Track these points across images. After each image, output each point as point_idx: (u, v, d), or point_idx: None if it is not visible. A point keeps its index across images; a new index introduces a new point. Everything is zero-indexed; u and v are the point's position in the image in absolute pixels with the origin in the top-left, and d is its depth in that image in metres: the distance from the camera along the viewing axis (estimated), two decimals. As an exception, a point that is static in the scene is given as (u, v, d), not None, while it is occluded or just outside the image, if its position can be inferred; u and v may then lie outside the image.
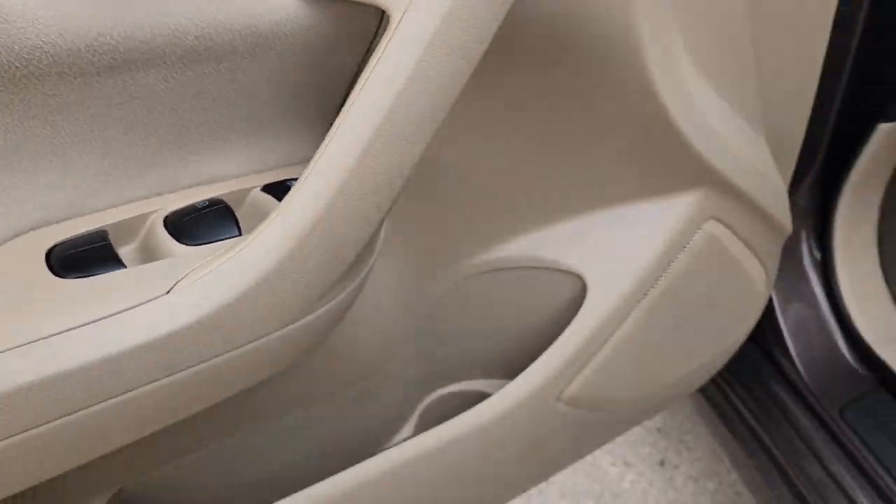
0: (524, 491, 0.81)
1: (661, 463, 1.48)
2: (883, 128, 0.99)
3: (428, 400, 0.80)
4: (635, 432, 1.54)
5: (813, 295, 1.10)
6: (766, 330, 1.13)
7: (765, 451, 1.09)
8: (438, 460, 0.66)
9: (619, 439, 1.53)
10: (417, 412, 0.80)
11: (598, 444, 0.87)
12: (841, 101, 1.03)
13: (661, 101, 0.63)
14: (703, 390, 1.22)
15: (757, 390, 1.12)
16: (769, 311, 1.11)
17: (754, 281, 0.85)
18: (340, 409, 0.69)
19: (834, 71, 1.03)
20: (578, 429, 0.78)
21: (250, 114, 0.52)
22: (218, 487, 0.66)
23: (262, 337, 0.45)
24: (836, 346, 1.08)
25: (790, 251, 1.11)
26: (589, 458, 1.50)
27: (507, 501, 0.80)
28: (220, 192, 0.51)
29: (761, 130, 0.82)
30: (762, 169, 0.79)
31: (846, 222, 1.08)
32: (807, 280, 1.10)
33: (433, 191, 0.66)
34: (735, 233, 0.78)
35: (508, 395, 0.68)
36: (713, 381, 1.20)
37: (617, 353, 0.74)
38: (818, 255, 1.11)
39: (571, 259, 0.72)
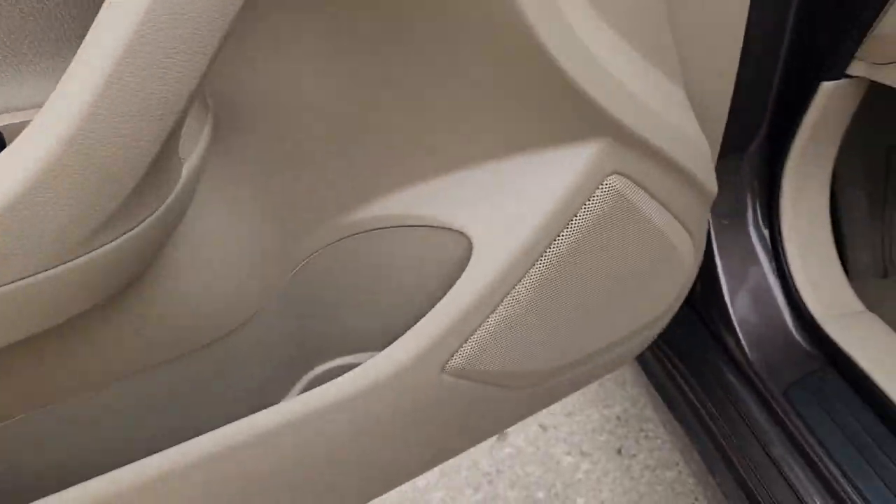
0: (414, 475, 0.74)
1: (619, 451, 1.41)
2: (826, 86, 0.92)
3: (307, 378, 0.74)
4: (593, 420, 1.48)
5: (760, 268, 1.03)
6: (711, 306, 1.06)
7: (707, 434, 1.02)
8: (294, 438, 0.60)
9: (576, 427, 1.47)
10: (296, 391, 0.74)
11: (504, 423, 0.81)
12: (784, 62, 0.96)
13: (537, 38, 0.56)
14: (645, 370, 1.16)
15: (701, 369, 1.06)
16: (714, 285, 1.04)
17: (676, 247, 0.78)
18: (196, 378, 0.63)
19: (775, 30, 0.96)
20: (473, 405, 0.72)
21: (44, 36, 0.47)
22: (57, 457, 0.60)
23: (31, 274, 0.40)
24: (783, 322, 1.01)
25: (737, 221, 1.04)
26: (542, 446, 1.44)
27: (395, 486, 0.74)
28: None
29: (680, 84, 0.76)
30: (680, 124, 0.73)
31: (794, 190, 1.01)
32: (753, 252, 1.04)
33: (290, 139, 0.59)
34: (648, 191, 0.72)
35: (377, 366, 0.62)
36: (655, 359, 1.13)
37: (512, 321, 0.68)
38: (766, 226, 1.04)
39: (455, 216, 0.66)
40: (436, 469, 1.40)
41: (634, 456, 1.40)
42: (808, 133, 0.96)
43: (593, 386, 1.54)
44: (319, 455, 0.62)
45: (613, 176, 0.68)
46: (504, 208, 0.66)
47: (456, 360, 0.66)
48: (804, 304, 0.99)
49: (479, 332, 0.66)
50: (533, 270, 0.67)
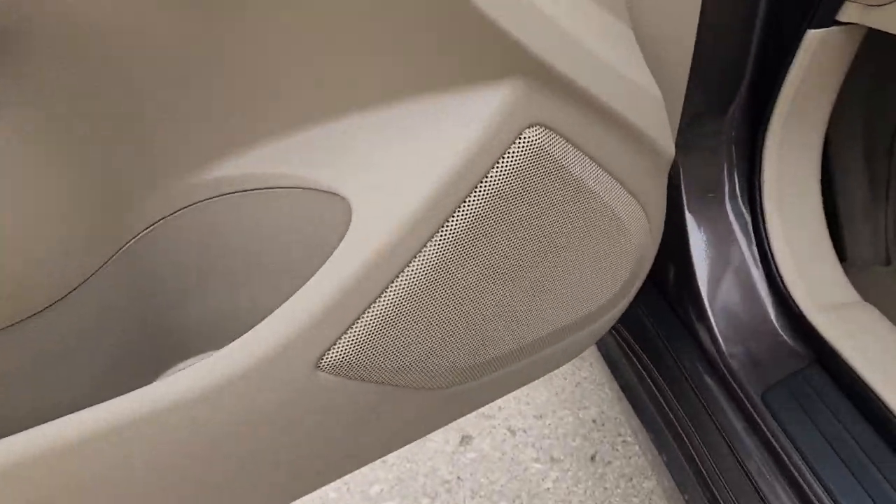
0: (296, 495, 0.61)
1: (592, 458, 1.28)
2: (812, 35, 0.78)
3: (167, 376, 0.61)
4: (566, 423, 1.34)
5: (739, 249, 0.89)
6: (683, 293, 0.92)
7: (677, 442, 0.89)
8: (113, 447, 0.48)
9: (547, 431, 1.33)
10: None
11: (419, 429, 0.68)
12: (765, 6, 0.82)
13: None
14: (611, 367, 1.02)
15: (672, 367, 0.92)
16: (687, 270, 0.91)
17: (621, 218, 0.65)
18: (9, 362, 0.51)
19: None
20: (369, 409, 0.59)
21: None
22: None
23: None
24: (764, 313, 0.88)
25: (712, 196, 0.90)
26: (509, 451, 1.30)
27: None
28: None
29: (624, 18, 0.62)
30: (623, 67, 0.59)
31: (779, 159, 0.87)
32: (731, 231, 0.90)
33: (91, 73, 0.47)
34: (580, 148, 0.58)
35: (223, 362, 0.49)
36: (622, 354, 1.00)
37: (408, 308, 0.55)
38: (746, 201, 0.90)
39: (329, 175, 0.53)
40: (391, 475, 1.27)
41: (609, 463, 1.27)
42: (792, 91, 0.81)
43: (568, 386, 1.41)
44: (140, 469, 0.50)
45: (534, 128, 0.55)
46: (391, 167, 0.53)
47: (334, 355, 0.54)
48: (789, 292, 0.85)
49: (363, 319, 0.54)
50: (432, 244, 0.54)
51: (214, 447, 0.52)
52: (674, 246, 0.91)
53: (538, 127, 0.55)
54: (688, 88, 0.77)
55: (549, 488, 1.24)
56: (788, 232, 0.88)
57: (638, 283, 0.74)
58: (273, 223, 0.55)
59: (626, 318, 1.00)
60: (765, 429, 0.79)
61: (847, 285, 0.86)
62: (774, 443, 0.78)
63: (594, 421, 1.34)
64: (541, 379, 1.44)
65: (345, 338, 0.53)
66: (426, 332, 0.58)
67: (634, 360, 0.97)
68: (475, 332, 0.61)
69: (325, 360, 0.54)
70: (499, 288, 0.60)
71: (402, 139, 0.53)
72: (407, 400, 0.62)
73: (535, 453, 1.30)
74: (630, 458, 1.27)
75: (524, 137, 0.54)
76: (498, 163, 0.54)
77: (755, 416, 0.80)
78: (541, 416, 1.36)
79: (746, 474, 0.79)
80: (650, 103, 0.63)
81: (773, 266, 0.87)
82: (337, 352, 0.54)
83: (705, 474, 0.83)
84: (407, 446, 1.30)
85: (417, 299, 0.55)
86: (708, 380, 0.89)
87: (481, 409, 1.37)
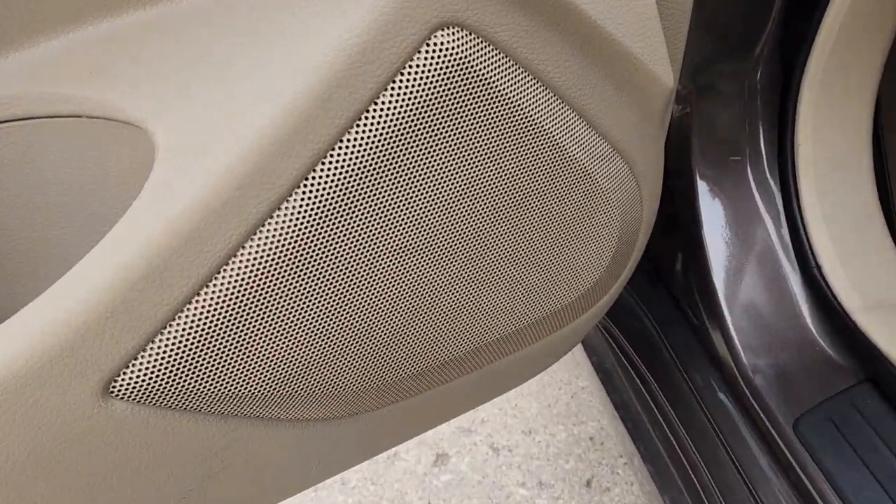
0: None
1: (588, 484, 1.08)
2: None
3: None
4: (559, 440, 1.15)
5: (766, 234, 0.69)
6: (692, 289, 0.73)
7: (684, 482, 0.69)
8: None
9: (536, 449, 1.14)
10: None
11: (299, 483, 0.49)
12: None
13: None
14: (604, 381, 0.83)
15: (677, 384, 0.72)
16: (698, 258, 0.71)
17: (594, 177, 0.45)
18: None
19: None
20: (191, 457, 0.41)
21: None
22: None
23: None
24: (798, 316, 0.68)
25: (732, 163, 0.70)
26: (491, 474, 1.11)
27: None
28: None
29: None
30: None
31: (818, 118, 0.67)
32: (756, 211, 0.70)
33: None
34: (529, 68, 0.39)
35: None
36: (617, 364, 0.80)
37: (267, 299, 0.36)
38: (775, 172, 0.70)
39: (127, 100, 0.34)
40: (351, 499, 1.08)
41: (607, 491, 1.07)
42: (836, 28, 0.61)
43: (563, 397, 1.21)
44: None
45: (449, 30, 0.36)
46: (219, 91, 0.34)
47: (132, 376, 0.35)
48: (831, 290, 0.65)
49: (184, 318, 0.35)
50: (284, 211, 0.35)
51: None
52: (682, 224, 0.72)
53: (456, 28, 0.36)
54: (705, 11, 0.58)
55: (534, 519, 1.05)
56: (829, 211, 0.68)
57: (627, 271, 0.55)
58: (45, 161, 0.37)
59: (622, 318, 0.81)
60: (797, 468, 0.59)
61: (907, 280, 0.66)
62: (810, 486, 0.58)
63: (591, 439, 1.15)
64: (532, 389, 1.24)
65: (152, 349, 0.35)
66: (297, 341, 0.39)
67: (631, 371, 0.78)
68: (385, 337, 0.43)
69: (120, 383, 0.35)
70: (411, 272, 0.41)
71: (239, 53, 0.34)
72: (278, 440, 0.43)
73: (521, 476, 1.10)
74: (632, 484, 1.08)
75: (433, 44, 0.36)
76: (391, 86, 0.35)
77: (785, 450, 0.61)
78: (530, 432, 1.17)
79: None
80: (638, 7, 0.43)
81: (809, 255, 0.67)
82: (141, 370, 0.35)
83: (718, 523, 0.64)
84: (373, 465, 1.11)
85: (283, 287, 0.36)
86: (724, 400, 0.69)
87: (460, 423, 1.18)
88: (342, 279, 0.38)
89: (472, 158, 0.39)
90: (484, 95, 0.38)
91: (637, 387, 0.77)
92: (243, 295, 0.35)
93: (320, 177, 0.35)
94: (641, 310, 0.80)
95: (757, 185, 0.69)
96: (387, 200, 0.37)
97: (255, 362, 0.38)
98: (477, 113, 0.38)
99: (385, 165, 0.36)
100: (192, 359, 0.36)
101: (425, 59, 0.36)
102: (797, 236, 0.68)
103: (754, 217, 0.70)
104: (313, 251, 0.36)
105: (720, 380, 0.69)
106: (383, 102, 0.35)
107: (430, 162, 0.38)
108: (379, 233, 0.38)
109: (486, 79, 0.37)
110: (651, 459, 0.74)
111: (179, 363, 0.36)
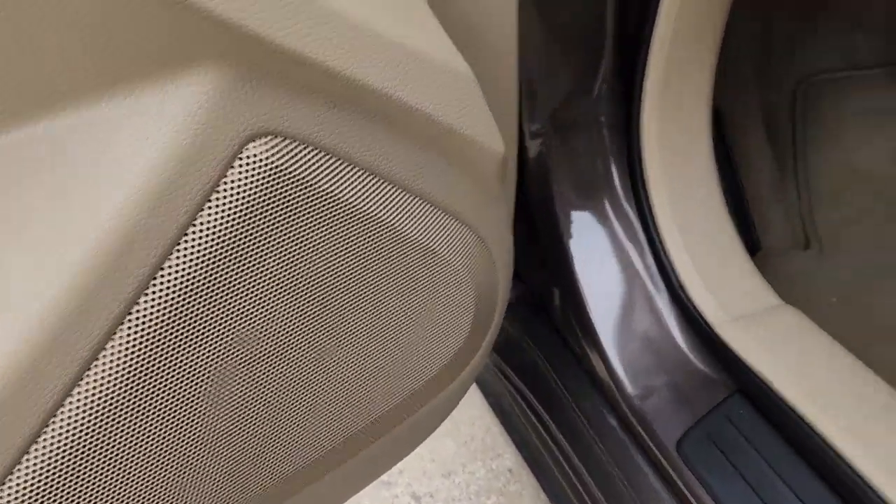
0: None
1: (512, 518, 1.08)
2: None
3: None
4: (479, 477, 1.14)
5: (628, 259, 0.71)
6: (570, 320, 0.74)
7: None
8: None
9: (456, 492, 1.13)
10: None
11: None
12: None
13: None
14: (503, 420, 0.83)
15: (572, 419, 0.73)
16: (572, 291, 0.72)
17: (434, 250, 0.45)
18: None
19: None
20: None
21: None
22: None
23: None
24: (669, 336, 0.70)
25: (589, 199, 0.72)
26: (414, 524, 1.09)
27: None
28: None
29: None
30: (401, 34, 0.40)
31: (660, 138, 0.69)
32: (616, 238, 0.72)
33: None
34: (350, 160, 0.39)
35: None
36: (514, 404, 0.81)
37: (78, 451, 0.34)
38: (630, 199, 0.72)
39: None
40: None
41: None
42: (665, 49, 0.64)
43: (478, 433, 1.21)
44: None
45: (261, 140, 0.35)
46: (15, 252, 0.33)
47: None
48: (695, 307, 0.68)
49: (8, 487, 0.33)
50: (108, 358, 0.33)
51: None
52: (553, 259, 0.73)
53: (268, 137, 0.35)
54: (546, 58, 0.59)
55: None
56: (684, 229, 0.70)
57: (490, 329, 0.55)
58: None
59: (512, 355, 0.82)
60: (685, 490, 0.60)
61: (762, 286, 0.69)
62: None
63: (510, 471, 1.15)
64: (447, 430, 1.24)
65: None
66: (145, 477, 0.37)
67: (525, 408, 0.78)
68: (249, 454, 0.41)
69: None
70: (255, 384, 0.40)
71: (17, 196, 0.33)
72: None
73: (440, 519, 1.09)
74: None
75: (245, 157, 0.35)
76: (203, 209, 0.34)
77: (672, 473, 0.62)
78: (449, 475, 1.16)
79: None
80: (454, 82, 0.44)
81: (672, 276, 0.69)
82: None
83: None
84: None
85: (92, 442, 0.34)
86: (614, 426, 0.70)
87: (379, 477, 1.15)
88: (185, 409, 0.37)
89: (307, 260, 0.39)
90: (305, 196, 0.37)
91: (533, 423, 0.78)
92: (70, 457, 0.33)
93: (137, 318, 0.33)
94: (528, 344, 0.81)
95: (616, 217, 0.71)
96: (219, 318, 0.36)
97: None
98: (302, 215, 0.37)
99: (211, 284, 0.35)
100: None
101: (239, 173, 0.35)
102: (659, 259, 0.70)
103: (619, 246, 0.72)
104: (148, 389, 0.35)
105: (607, 406, 0.70)
106: (200, 224, 0.34)
107: (263, 270, 0.37)
108: (215, 350, 0.37)
109: (303, 180, 0.37)
110: (555, 495, 0.74)
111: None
